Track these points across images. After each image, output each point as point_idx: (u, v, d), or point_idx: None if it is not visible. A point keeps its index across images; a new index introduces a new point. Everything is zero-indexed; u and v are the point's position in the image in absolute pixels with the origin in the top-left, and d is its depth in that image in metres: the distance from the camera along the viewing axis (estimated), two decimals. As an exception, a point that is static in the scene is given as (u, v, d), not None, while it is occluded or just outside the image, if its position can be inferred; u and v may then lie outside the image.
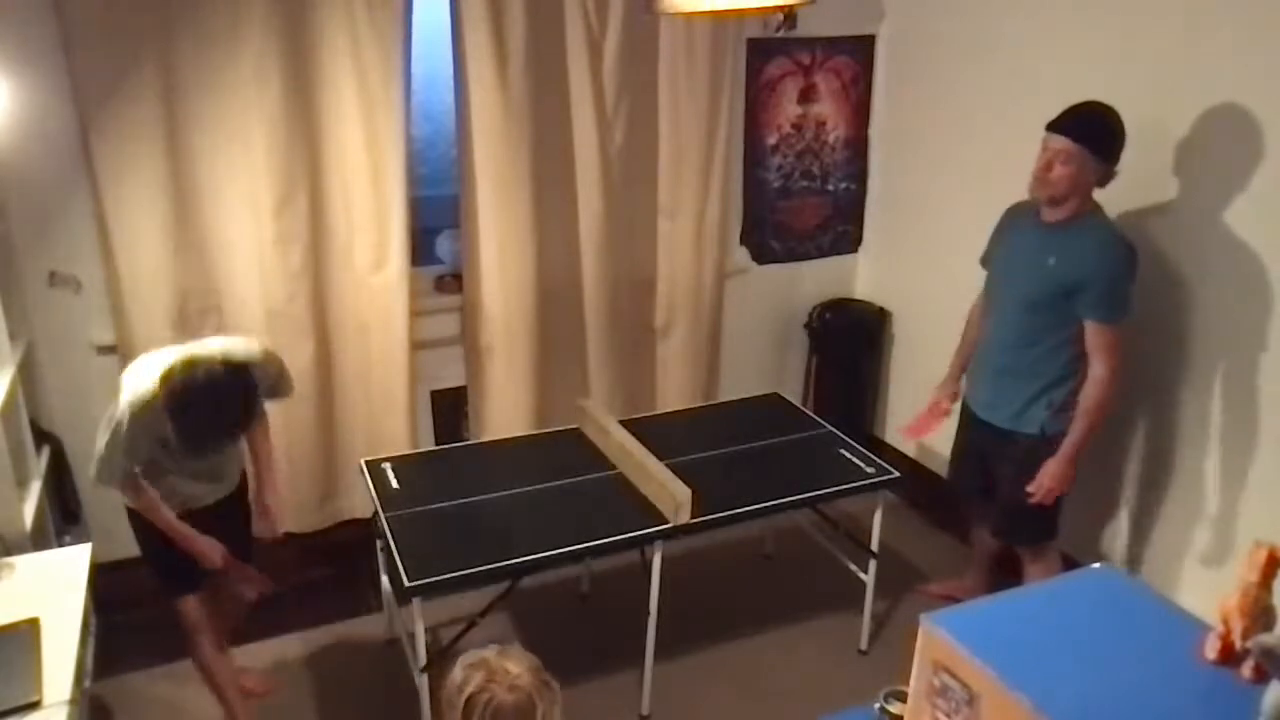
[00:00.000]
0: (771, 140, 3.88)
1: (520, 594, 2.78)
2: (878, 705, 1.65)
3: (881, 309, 4.10)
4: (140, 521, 2.43)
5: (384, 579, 2.98)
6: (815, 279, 4.16)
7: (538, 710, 1.53)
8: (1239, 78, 2.60)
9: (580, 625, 3.29)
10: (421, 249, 3.55)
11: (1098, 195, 2.64)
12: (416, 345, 3.39)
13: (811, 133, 3.95)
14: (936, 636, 1.38)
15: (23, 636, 2.04)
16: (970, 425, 3.00)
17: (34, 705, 1.86)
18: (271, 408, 2.59)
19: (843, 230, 4.17)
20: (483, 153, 3.26)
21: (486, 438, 3.53)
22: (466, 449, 3.28)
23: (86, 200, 2.90)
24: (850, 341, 4.11)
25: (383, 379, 3.38)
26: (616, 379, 3.76)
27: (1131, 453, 3.05)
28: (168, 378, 2.12)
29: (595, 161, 3.43)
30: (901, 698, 1.59)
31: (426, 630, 2.48)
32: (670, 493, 2.63)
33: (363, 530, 3.30)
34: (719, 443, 3.14)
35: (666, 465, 2.79)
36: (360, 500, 3.38)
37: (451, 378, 3.59)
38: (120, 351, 3.04)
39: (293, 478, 3.28)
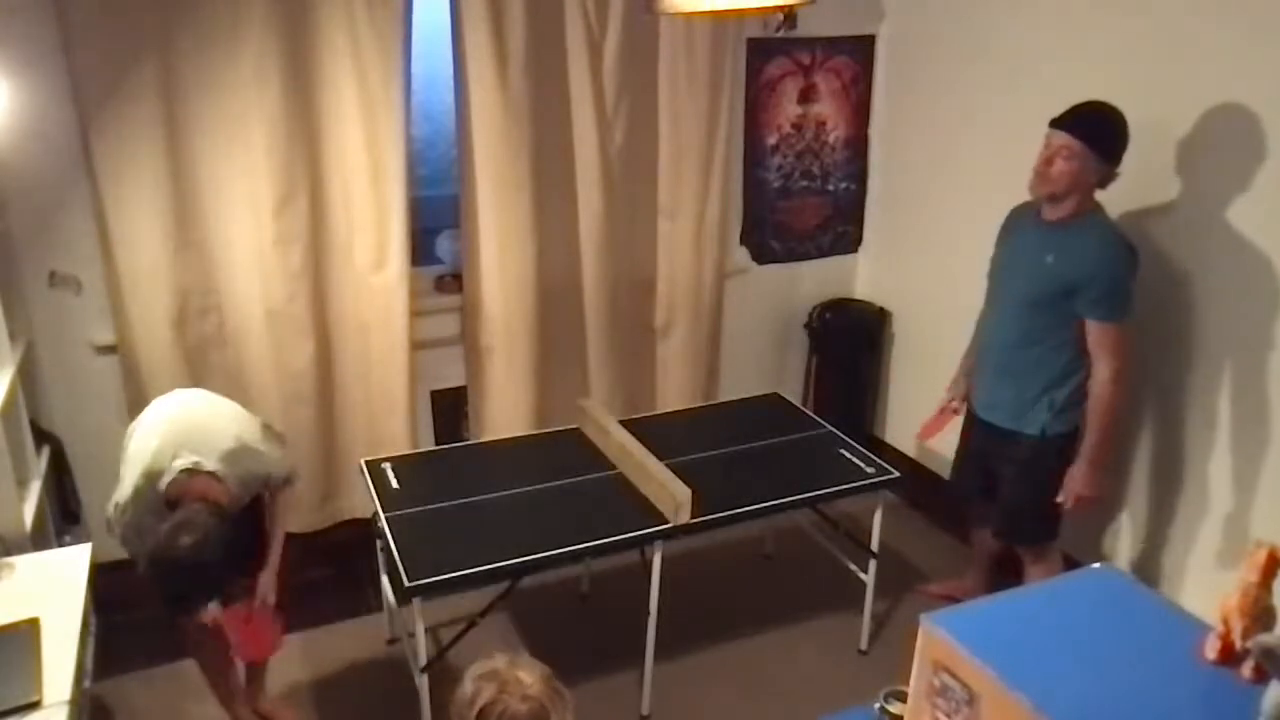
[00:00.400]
0: (771, 140, 3.88)
1: (520, 594, 2.78)
2: (878, 705, 1.65)
3: (881, 309, 4.10)
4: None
5: (384, 579, 2.98)
6: (815, 279, 4.16)
7: (551, 719, 1.52)
8: (1241, 77, 2.59)
9: (580, 625, 3.29)
10: (421, 249, 3.55)
11: (1100, 196, 2.64)
12: (416, 345, 3.39)
13: (811, 133, 3.95)
14: (936, 636, 1.38)
15: (23, 636, 2.04)
16: (973, 426, 3.00)
17: (34, 705, 1.86)
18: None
19: (843, 230, 4.17)
20: (483, 153, 3.26)
21: (486, 438, 3.53)
22: (466, 449, 3.28)
23: (86, 200, 2.90)
24: (850, 341, 4.11)
25: (383, 379, 3.38)
26: (616, 379, 3.76)
27: (1133, 452, 3.05)
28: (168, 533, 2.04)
29: (595, 161, 3.43)
30: (901, 698, 1.59)
31: (426, 630, 2.48)
32: (670, 493, 2.63)
33: (363, 530, 3.29)
34: (719, 443, 3.14)
35: (666, 465, 2.79)
36: (360, 500, 3.38)
37: (451, 378, 3.59)
38: (120, 351, 3.05)
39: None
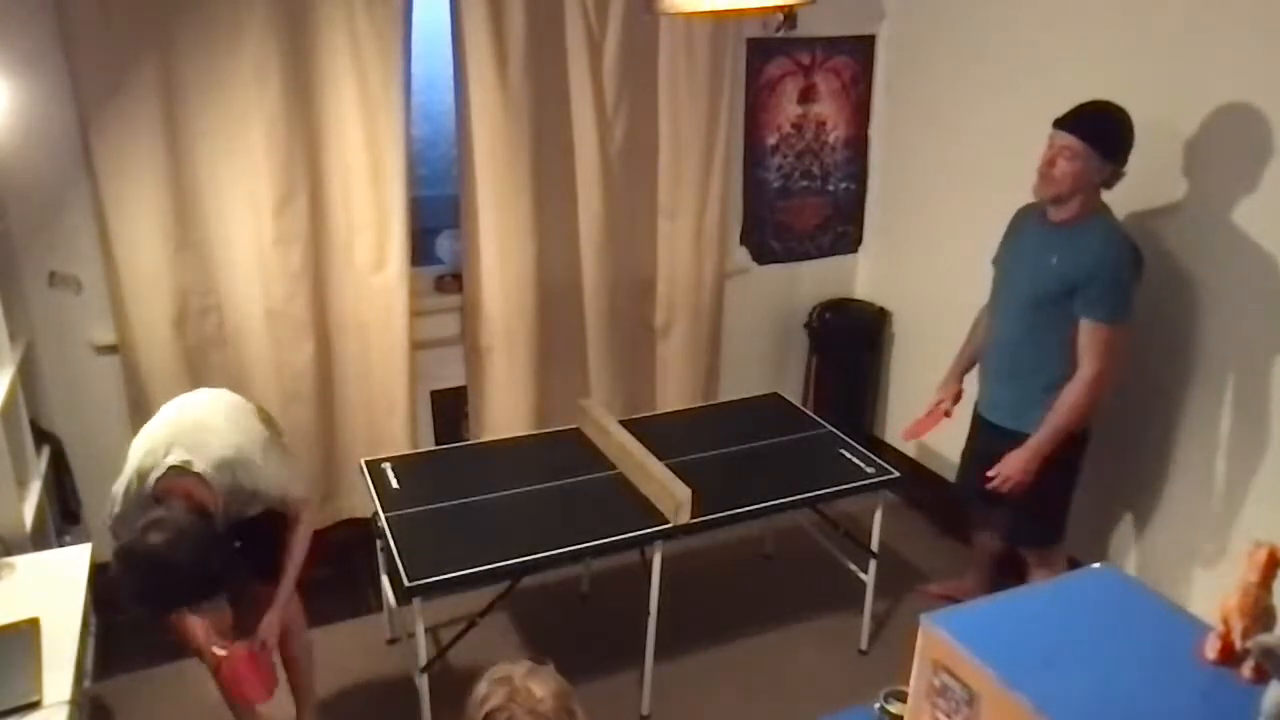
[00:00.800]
0: (771, 140, 3.88)
1: (520, 594, 2.78)
2: (878, 705, 1.65)
3: (881, 309, 4.10)
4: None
5: (384, 579, 2.98)
6: (815, 279, 4.16)
7: None
8: (1249, 76, 2.58)
9: (580, 625, 3.29)
10: (421, 249, 3.55)
11: (1106, 196, 2.63)
12: (416, 345, 3.39)
13: (811, 133, 3.95)
14: (936, 636, 1.38)
15: (23, 636, 2.04)
16: (978, 428, 3.00)
17: (34, 705, 1.86)
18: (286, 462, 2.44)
19: (843, 230, 4.17)
20: (483, 153, 3.26)
21: (486, 438, 3.53)
22: (466, 449, 3.28)
23: (87, 200, 2.90)
24: (850, 341, 4.11)
25: (383, 379, 3.38)
26: (616, 379, 3.76)
27: (1136, 453, 3.05)
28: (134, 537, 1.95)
29: (595, 161, 3.43)
30: (901, 698, 1.59)
31: (426, 630, 2.48)
32: (670, 493, 2.63)
33: (363, 530, 3.29)
34: (719, 443, 3.14)
35: (666, 465, 2.79)
36: (360, 500, 3.38)
37: (451, 378, 3.60)
38: (120, 351, 3.05)
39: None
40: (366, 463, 2.95)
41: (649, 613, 2.74)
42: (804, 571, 3.54)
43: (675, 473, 2.73)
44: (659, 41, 3.44)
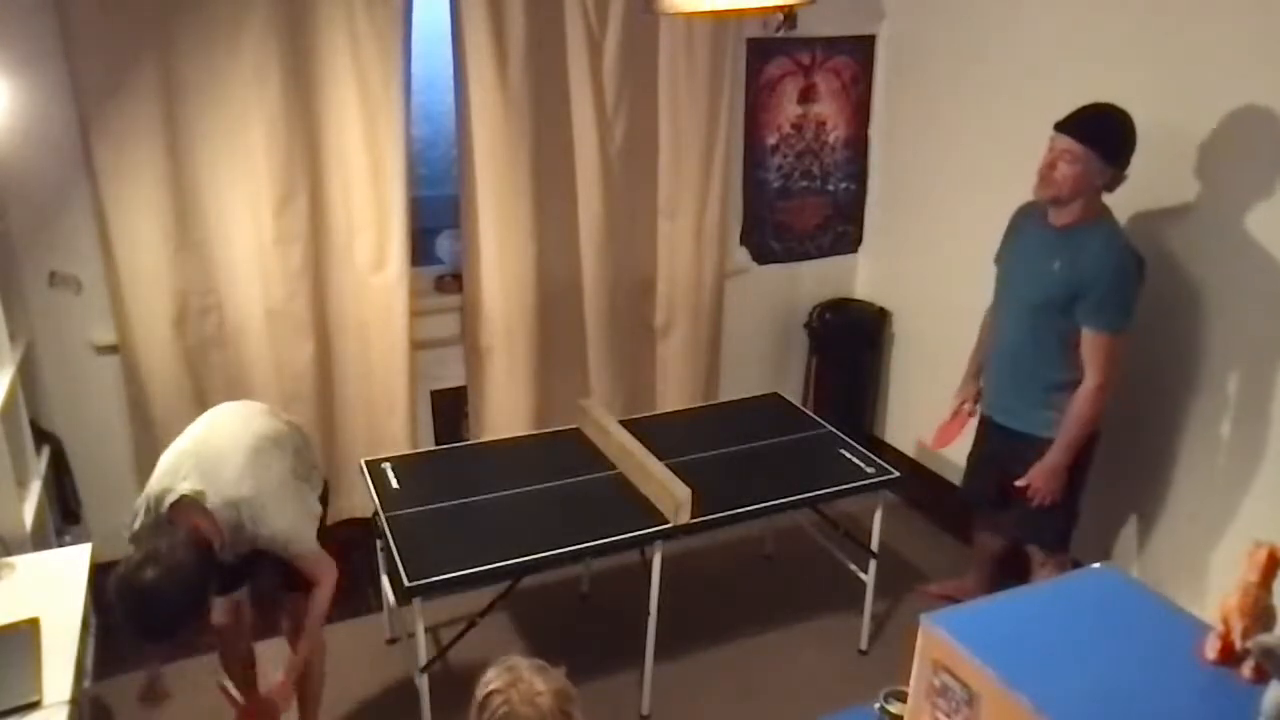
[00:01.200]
0: (771, 140, 3.88)
1: (520, 594, 2.78)
2: (878, 705, 1.65)
3: (881, 309, 4.10)
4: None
5: (384, 579, 2.98)
6: (815, 279, 4.16)
7: None
8: (1251, 77, 2.57)
9: (580, 625, 3.29)
10: (421, 249, 3.55)
11: (1108, 199, 2.63)
12: (416, 345, 3.39)
13: (811, 133, 3.95)
14: (936, 636, 1.38)
15: (23, 636, 2.04)
16: (986, 431, 3.00)
17: (34, 705, 1.86)
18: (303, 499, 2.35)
19: (843, 230, 4.17)
20: (483, 153, 3.26)
21: (486, 438, 3.53)
22: (466, 449, 3.28)
23: (87, 200, 2.90)
24: (850, 341, 4.11)
25: (383, 379, 3.38)
26: (616, 379, 3.76)
27: (1139, 455, 3.05)
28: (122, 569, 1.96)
29: (595, 161, 3.43)
30: (901, 698, 1.59)
31: (426, 630, 2.48)
32: (670, 493, 2.63)
33: (363, 530, 3.29)
34: (719, 443, 3.14)
35: (666, 465, 2.78)
36: (360, 500, 3.38)
37: (451, 378, 3.59)
38: (120, 351, 3.05)
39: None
40: (366, 463, 2.95)
41: (649, 613, 2.74)
42: (804, 572, 3.54)
43: (675, 473, 2.73)
44: (659, 41, 3.44)
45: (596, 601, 3.39)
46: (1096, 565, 1.68)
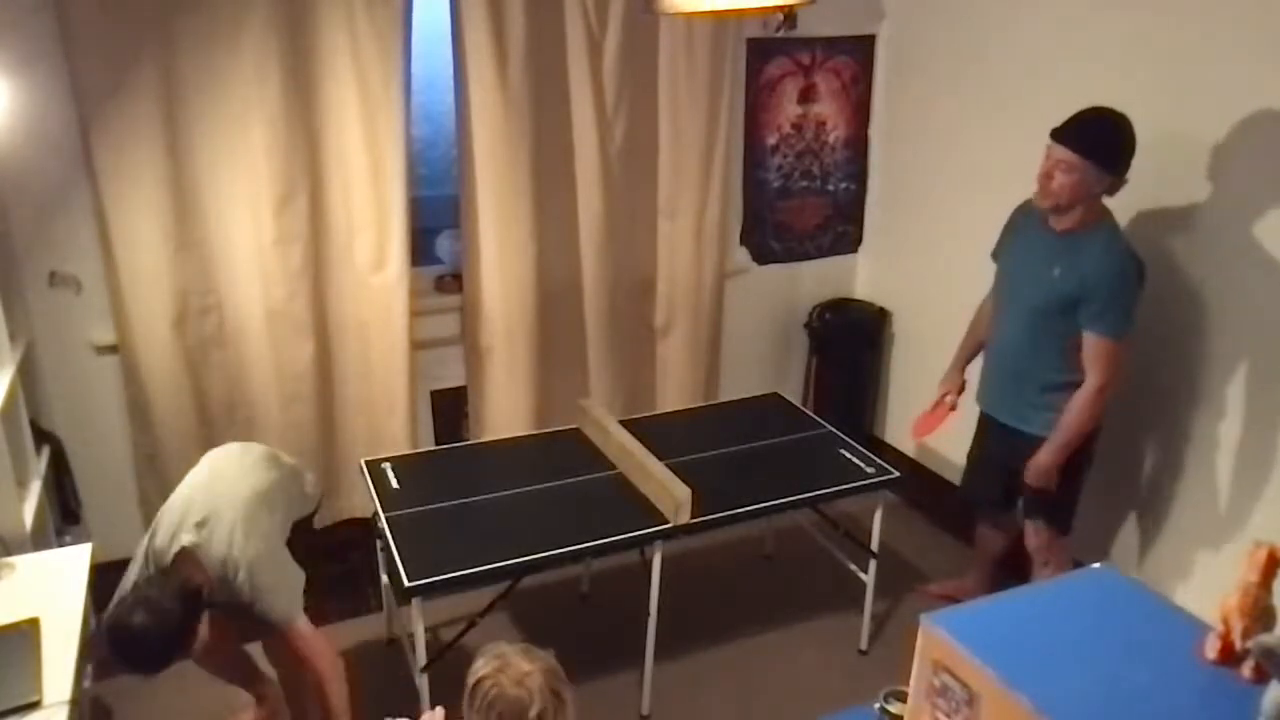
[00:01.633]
0: (771, 140, 3.88)
1: (520, 594, 2.78)
2: (878, 705, 1.65)
3: (881, 309, 4.10)
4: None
5: (384, 579, 2.98)
6: (815, 279, 4.16)
7: (532, 711, 1.53)
8: (1252, 78, 2.56)
9: (580, 625, 3.29)
10: (421, 249, 3.55)
11: (1110, 202, 2.62)
12: (416, 345, 3.39)
13: (811, 133, 3.95)
14: (936, 636, 1.38)
15: (23, 636, 2.04)
16: (986, 430, 3.00)
17: (34, 705, 1.86)
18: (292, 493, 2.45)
19: (843, 230, 4.17)
20: (483, 153, 3.26)
21: (486, 438, 3.53)
22: (466, 449, 3.28)
23: (87, 200, 2.90)
24: (850, 341, 4.11)
25: (383, 379, 3.38)
26: (616, 379, 3.76)
27: (1135, 453, 3.05)
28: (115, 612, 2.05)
29: (595, 161, 3.43)
30: (901, 698, 1.59)
31: (426, 630, 2.48)
32: (670, 493, 2.63)
33: (363, 530, 3.30)
34: (719, 443, 3.14)
35: (666, 465, 2.78)
36: (360, 500, 3.38)
37: (451, 378, 3.59)
38: (120, 351, 3.05)
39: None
40: (366, 463, 2.95)
41: (649, 613, 2.74)
42: (804, 571, 3.54)
43: (675, 473, 2.73)
44: (659, 41, 3.44)
45: (596, 601, 3.40)
46: (1096, 565, 1.68)
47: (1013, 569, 3.11)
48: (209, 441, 2.95)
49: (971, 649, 1.32)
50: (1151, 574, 3.04)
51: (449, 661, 2.76)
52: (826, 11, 3.59)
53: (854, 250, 4.23)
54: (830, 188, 4.08)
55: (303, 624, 2.30)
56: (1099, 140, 2.50)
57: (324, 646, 2.34)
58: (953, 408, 3.09)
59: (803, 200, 4.04)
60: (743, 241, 3.98)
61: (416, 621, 2.44)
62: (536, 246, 3.42)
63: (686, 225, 3.70)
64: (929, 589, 3.41)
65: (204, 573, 2.18)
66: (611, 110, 3.42)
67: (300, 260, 3.13)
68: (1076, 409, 2.65)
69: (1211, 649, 1.34)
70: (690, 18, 3.18)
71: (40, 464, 2.85)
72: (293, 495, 2.47)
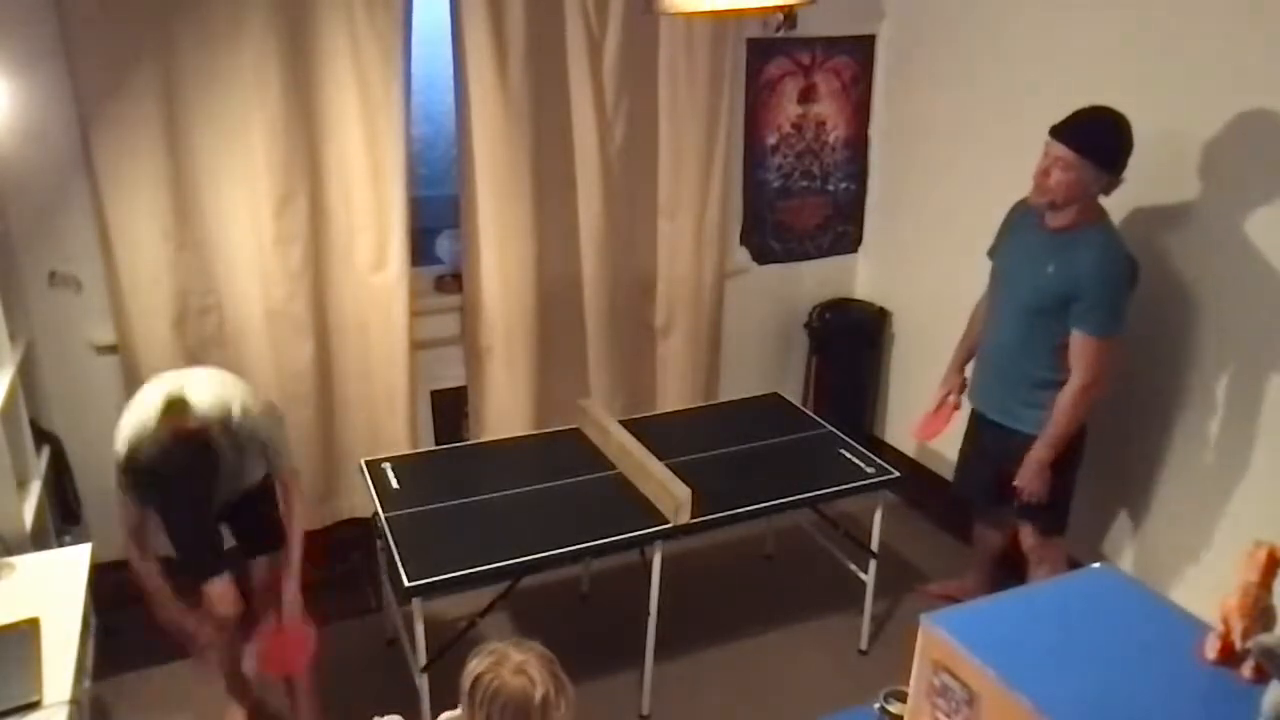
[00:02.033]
0: (771, 140, 3.88)
1: (520, 594, 2.78)
2: (878, 705, 1.65)
3: (881, 309, 4.10)
4: (168, 511, 2.46)
5: (384, 579, 2.98)
6: (815, 279, 4.16)
7: (536, 694, 1.54)
8: (1254, 79, 2.57)
9: (580, 625, 3.29)
10: (421, 249, 3.55)
11: (1106, 202, 2.62)
12: (416, 345, 3.39)
13: (811, 133, 3.95)
14: (936, 636, 1.38)
15: (23, 636, 2.04)
16: (977, 427, 3.00)
17: (34, 705, 1.86)
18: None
19: (843, 230, 4.17)
20: (483, 153, 3.26)
21: (486, 438, 3.53)
22: (466, 449, 3.28)
23: (86, 200, 2.90)
24: (850, 341, 4.11)
25: (383, 379, 3.38)
26: (616, 379, 3.76)
27: (1134, 453, 3.05)
28: (132, 450, 2.19)
29: (595, 161, 3.43)
30: (901, 698, 1.59)
31: (426, 630, 2.48)
32: (670, 493, 2.63)
33: (363, 530, 3.30)
34: (719, 443, 3.14)
35: (666, 465, 2.79)
36: (360, 500, 3.38)
37: (451, 378, 3.59)
38: (120, 351, 3.04)
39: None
40: (366, 463, 2.95)
41: (649, 613, 2.74)
42: (804, 571, 3.54)
43: (675, 473, 2.73)
44: (659, 41, 3.44)
45: (596, 601, 3.40)
46: (1096, 565, 1.68)
47: (1012, 569, 3.11)
48: (209, 441, 2.94)
49: (971, 649, 1.32)
50: (1149, 574, 3.03)
51: (449, 661, 2.76)
52: (826, 11, 3.59)
53: (854, 250, 4.23)
54: (830, 188, 4.08)
55: (297, 470, 2.51)
56: (1097, 139, 2.52)
57: (301, 487, 2.54)
58: (956, 407, 3.09)
59: (803, 200, 4.04)
60: (743, 241, 3.98)
61: (416, 621, 2.44)
62: (536, 246, 3.42)
63: (686, 225, 3.70)
64: (929, 589, 3.42)
65: (196, 419, 2.22)
66: (611, 110, 3.42)
67: (300, 260, 3.13)
68: (1061, 408, 2.66)
69: (1211, 649, 1.34)
70: (690, 18, 3.18)
71: (40, 464, 2.85)
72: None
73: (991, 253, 2.92)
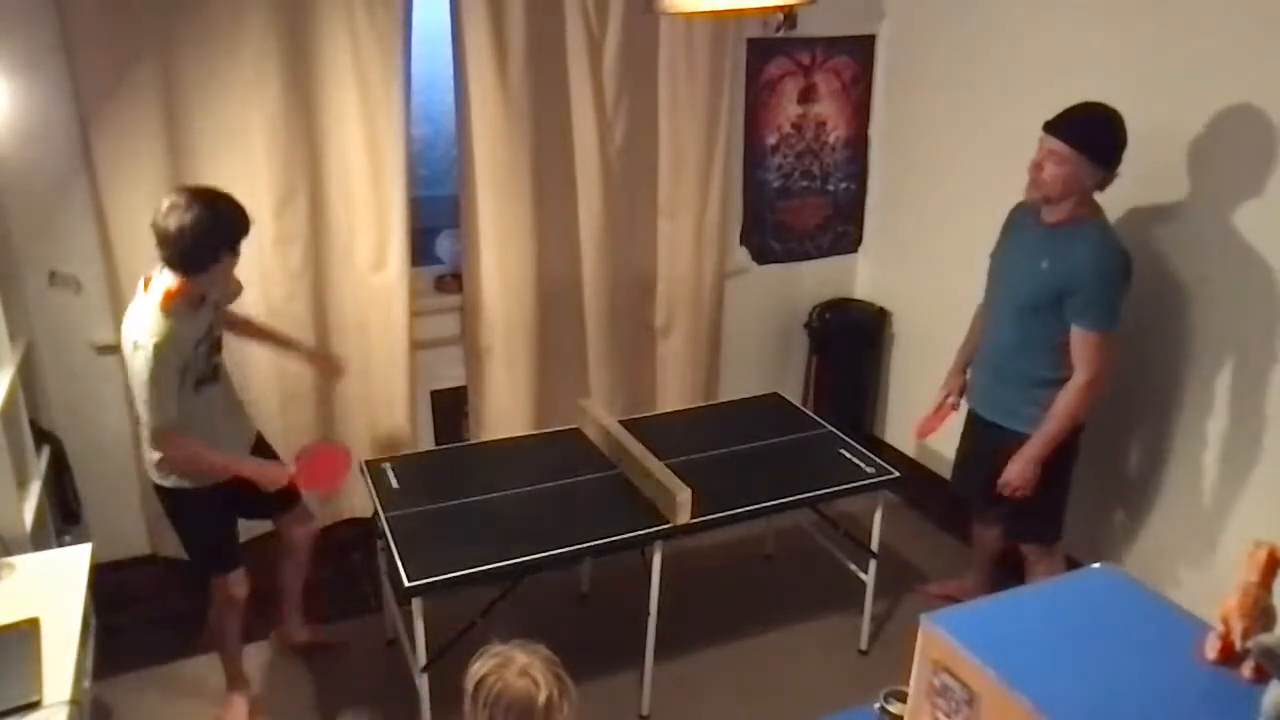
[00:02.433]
0: (771, 140, 3.88)
1: (520, 594, 2.78)
2: (878, 705, 1.65)
3: (881, 309, 4.10)
4: (179, 503, 2.50)
5: (384, 579, 2.97)
6: (815, 279, 4.16)
7: (540, 696, 1.54)
8: (1248, 77, 2.57)
9: (580, 625, 3.29)
10: (421, 249, 3.55)
11: (1101, 198, 2.63)
12: (416, 345, 3.39)
13: (811, 133, 3.95)
14: (936, 636, 1.38)
15: (23, 636, 2.04)
16: (973, 426, 3.00)
17: (34, 705, 1.85)
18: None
19: (843, 230, 4.17)
20: (483, 153, 3.26)
21: (486, 438, 3.53)
22: (466, 449, 3.28)
23: (87, 200, 2.90)
24: (850, 341, 4.11)
25: (383, 379, 3.38)
26: (616, 379, 3.76)
27: (1133, 453, 3.05)
28: (166, 213, 2.36)
29: (595, 161, 3.43)
30: (901, 698, 1.59)
31: (426, 630, 2.48)
32: (670, 493, 2.63)
33: (363, 530, 3.29)
34: (719, 443, 3.14)
35: (666, 465, 2.78)
36: (360, 500, 3.38)
37: (451, 378, 3.59)
38: (120, 352, 3.04)
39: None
40: (366, 463, 2.95)
41: (649, 613, 2.74)
42: (804, 571, 3.54)
43: (675, 473, 2.72)
44: (659, 41, 3.44)
45: (596, 601, 3.39)
46: (1096, 565, 1.69)
47: (1012, 569, 3.11)
48: (209, 441, 2.94)
49: (971, 649, 1.32)
50: (1147, 574, 3.03)
51: (449, 661, 2.76)
52: (826, 11, 3.59)
53: (854, 250, 4.23)
54: (830, 188, 4.08)
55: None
56: (1090, 133, 2.52)
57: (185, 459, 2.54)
58: (955, 408, 3.10)
59: (803, 200, 4.04)
60: (743, 241, 3.98)
61: (416, 621, 2.44)
62: (536, 246, 3.42)
63: (686, 225, 3.70)
64: (929, 589, 3.41)
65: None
66: (611, 110, 3.42)
67: (300, 260, 3.13)
68: (1064, 402, 2.65)
69: (1211, 649, 1.34)
70: (690, 18, 3.18)
71: (40, 464, 2.85)
72: None
73: (993, 255, 2.92)
